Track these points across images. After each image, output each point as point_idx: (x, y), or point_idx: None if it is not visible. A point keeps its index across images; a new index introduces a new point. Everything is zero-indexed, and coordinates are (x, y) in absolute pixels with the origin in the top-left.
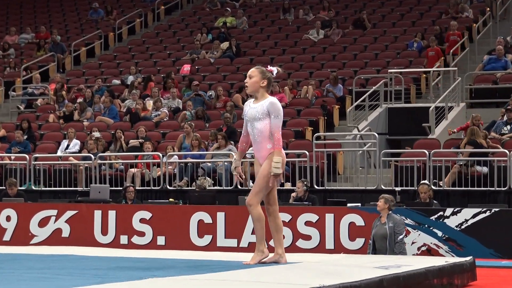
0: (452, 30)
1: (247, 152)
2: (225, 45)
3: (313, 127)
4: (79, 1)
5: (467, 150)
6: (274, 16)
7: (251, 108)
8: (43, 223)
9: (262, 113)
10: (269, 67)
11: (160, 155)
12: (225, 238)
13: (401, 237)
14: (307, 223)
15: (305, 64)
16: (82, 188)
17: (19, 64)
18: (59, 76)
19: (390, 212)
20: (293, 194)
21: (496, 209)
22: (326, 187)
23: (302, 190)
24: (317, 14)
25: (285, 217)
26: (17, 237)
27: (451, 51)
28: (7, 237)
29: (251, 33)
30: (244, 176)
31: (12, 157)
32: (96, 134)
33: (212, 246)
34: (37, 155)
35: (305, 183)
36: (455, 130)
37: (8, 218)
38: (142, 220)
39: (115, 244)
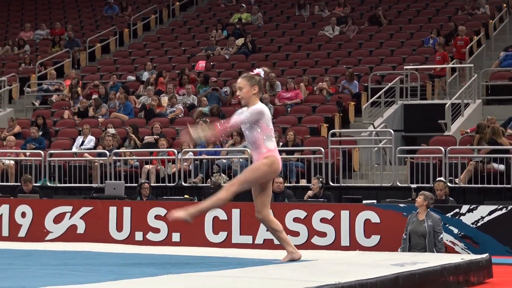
0: (460, 35)
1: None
2: (240, 41)
3: (328, 123)
4: None
5: (486, 147)
6: (290, 12)
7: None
8: (58, 219)
9: (253, 122)
10: (255, 70)
11: (175, 151)
12: (240, 235)
13: (442, 236)
14: (323, 220)
15: (320, 60)
16: (97, 185)
17: (34, 60)
18: (74, 72)
19: (428, 209)
20: (310, 193)
21: None
22: (342, 184)
23: (317, 187)
24: (333, 11)
25: (301, 214)
26: (32, 233)
27: (468, 49)
28: (22, 233)
29: (266, 30)
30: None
31: (27, 154)
32: (111, 130)
33: (227, 243)
34: (52, 151)
35: (320, 179)
36: (468, 130)
37: (23, 215)
38: (157, 217)
39: (130, 240)
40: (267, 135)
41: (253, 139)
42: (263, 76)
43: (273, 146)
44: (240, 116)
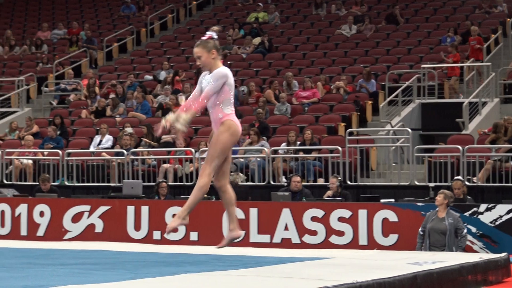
0: (473, 35)
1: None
2: (257, 40)
3: (345, 122)
4: None
5: (506, 146)
6: (306, 11)
7: (206, 81)
8: (76, 218)
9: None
10: (207, 34)
11: (193, 150)
12: (258, 233)
13: (465, 231)
14: (340, 219)
15: (337, 59)
16: (114, 184)
17: (52, 60)
18: (91, 71)
19: (448, 208)
20: (329, 192)
21: None
22: (359, 183)
23: (335, 186)
24: (350, 9)
25: (318, 213)
26: (51, 233)
27: (485, 47)
28: (40, 232)
29: (283, 29)
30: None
31: (45, 153)
32: (129, 129)
33: (245, 242)
34: (69, 150)
35: (338, 178)
36: (485, 130)
37: (41, 214)
38: (175, 216)
39: (148, 239)
40: (226, 99)
41: (212, 104)
42: (216, 37)
43: (230, 111)
44: (210, 88)
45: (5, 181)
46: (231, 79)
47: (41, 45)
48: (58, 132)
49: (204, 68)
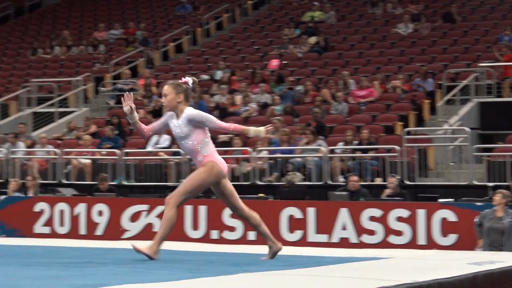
0: None
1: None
2: (312, 39)
3: (403, 122)
4: None
5: None
6: (362, 10)
7: (175, 126)
8: (134, 217)
9: (186, 131)
10: (184, 79)
11: (250, 150)
12: (315, 233)
13: None
14: (399, 219)
15: (393, 58)
16: (172, 183)
17: (108, 60)
18: (148, 71)
19: (507, 207)
20: (387, 191)
21: None
22: (417, 183)
23: (393, 186)
24: (406, 8)
25: (377, 212)
26: (109, 232)
27: None
28: (99, 231)
29: (338, 28)
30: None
31: (103, 153)
32: None
33: (302, 242)
34: (127, 150)
35: (397, 178)
36: None
37: (100, 213)
38: (233, 215)
39: (205, 239)
40: (202, 140)
41: (191, 147)
42: (191, 85)
43: (208, 151)
44: (212, 125)
45: (63, 181)
46: (204, 118)
47: (97, 46)
48: (116, 132)
49: (166, 107)
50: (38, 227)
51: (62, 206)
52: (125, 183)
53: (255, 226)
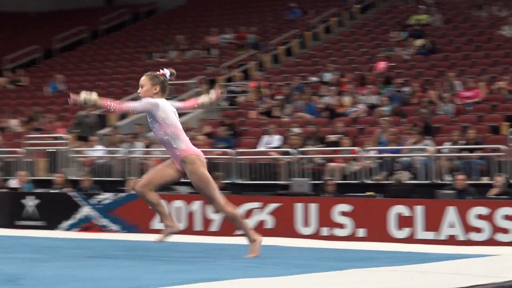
0: None
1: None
2: (419, 42)
3: (509, 122)
4: (277, 2)
5: None
6: (467, 13)
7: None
8: (247, 215)
9: (153, 123)
10: (162, 70)
11: (358, 149)
12: (423, 230)
13: None
14: (506, 217)
15: (499, 60)
16: (282, 182)
17: (221, 63)
18: (259, 74)
19: None
20: (494, 191)
21: None
22: None
23: (501, 184)
24: (511, 10)
25: (484, 210)
26: (223, 228)
27: None
28: (214, 227)
29: (444, 30)
30: None
31: (217, 152)
32: (296, 129)
33: (410, 239)
34: (240, 150)
35: (504, 177)
36: None
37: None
38: (343, 213)
39: (316, 235)
40: (170, 133)
41: (159, 138)
42: (168, 77)
43: (184, 145)
44: (135, 102)
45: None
46: (167, 111)
47: (210, 49)
48: (229, 132)
49: (142, 98)
50: (155, 223)
51: (178, 203)
52: (239, 181)
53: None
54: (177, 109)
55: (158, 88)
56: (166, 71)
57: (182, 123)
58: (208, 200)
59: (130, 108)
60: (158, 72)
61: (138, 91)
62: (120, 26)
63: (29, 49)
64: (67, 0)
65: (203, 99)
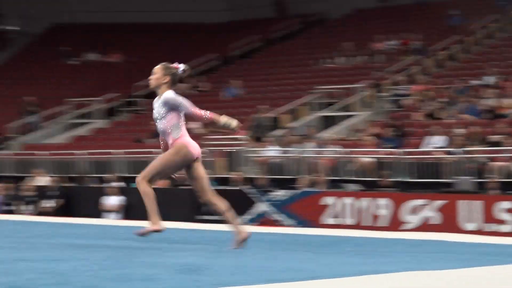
0: None
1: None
2: None
3: None
4: (438, 10)
5: None
6: None
7: (155, 107)
8: (414, 210)
9: (162, 113)
10: (176, 64)
11: None
12: None
13: None
14: None
15: None
16: (446, 180)
17: (386, 68)
18: (423, 78)
19: None
20: None
21: None
22: None
23: None
24: None
25: None
26: (391, 223)
27: None
28: (381, 223)
29: None
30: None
31: (384, 152)
32: (459, 130)
33: None
34: (406, 150)
35: None
36: None
37: (382, 206)
38: (506, 210)
39: (479, 231)
40: (174, 124)
41: (163, 128)
42: (181, 71)
43: (179, 134)
44: (186, 109)
45: (348, 177)
46: (178, 102)
47: (374, 55)
48: (395, 133)
49: (151, 84)
50: (325, 218)
51: (347, 199)
52: (406, 180)
53: (220, 212)
54: (187, 110)
55: (168, 78)
56: (180, 66)
57: (353, 124)
58: (144, 170)
59: (189, 109)
60: (172, 65)
61: (150, 77)
62: (291, 35)
63: (207, 57)
64: (241, 10)
65: (220, 118)
